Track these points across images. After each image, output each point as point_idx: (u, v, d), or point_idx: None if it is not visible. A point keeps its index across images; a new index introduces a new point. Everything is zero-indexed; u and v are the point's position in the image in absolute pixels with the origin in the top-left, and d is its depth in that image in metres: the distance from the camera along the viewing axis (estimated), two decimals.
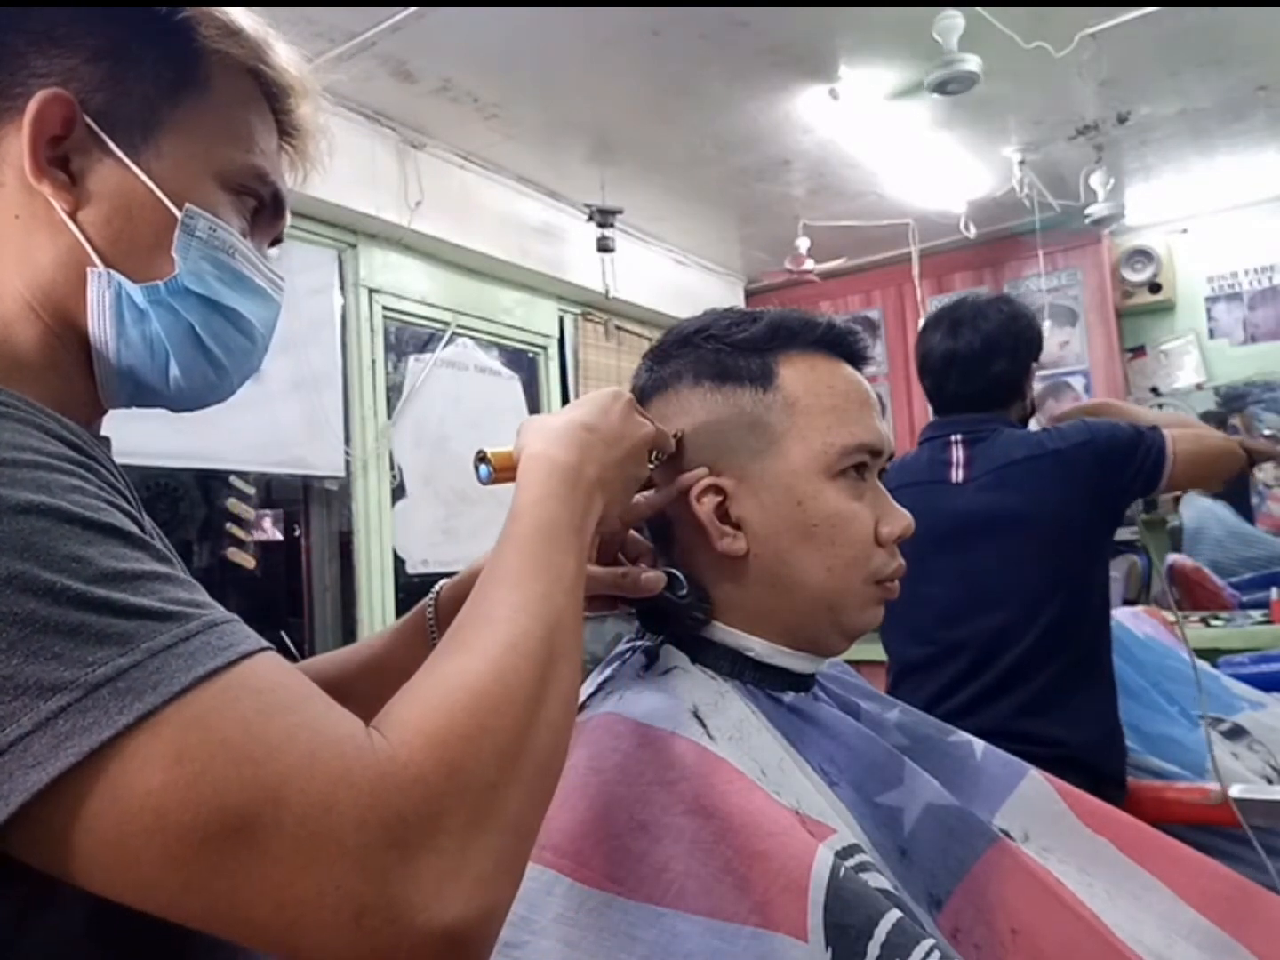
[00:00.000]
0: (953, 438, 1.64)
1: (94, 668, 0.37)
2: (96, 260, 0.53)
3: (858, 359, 0.79)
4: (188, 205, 0.55)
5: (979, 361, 1.63)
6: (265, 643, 0.43)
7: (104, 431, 0.59)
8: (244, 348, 0.60)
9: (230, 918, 0.38)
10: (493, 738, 0.44)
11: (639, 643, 0.78)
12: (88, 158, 0.53)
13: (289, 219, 0.64)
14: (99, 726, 0.37)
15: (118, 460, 0.56)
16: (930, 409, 1.79)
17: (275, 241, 0.65)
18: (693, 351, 0.76)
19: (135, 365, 0.55)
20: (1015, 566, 1.54)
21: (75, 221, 0.52)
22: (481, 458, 0.69)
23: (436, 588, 0.79)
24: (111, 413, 0.60)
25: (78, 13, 0.53)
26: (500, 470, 0.68)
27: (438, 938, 0.39)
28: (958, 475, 1.61)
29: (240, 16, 0.57)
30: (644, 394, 0.79)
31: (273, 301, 0.62)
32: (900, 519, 0.75)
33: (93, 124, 0.52)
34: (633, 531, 0.79)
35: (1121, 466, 1.53)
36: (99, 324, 0.54)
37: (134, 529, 0.44)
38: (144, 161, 0.54)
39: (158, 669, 0.38)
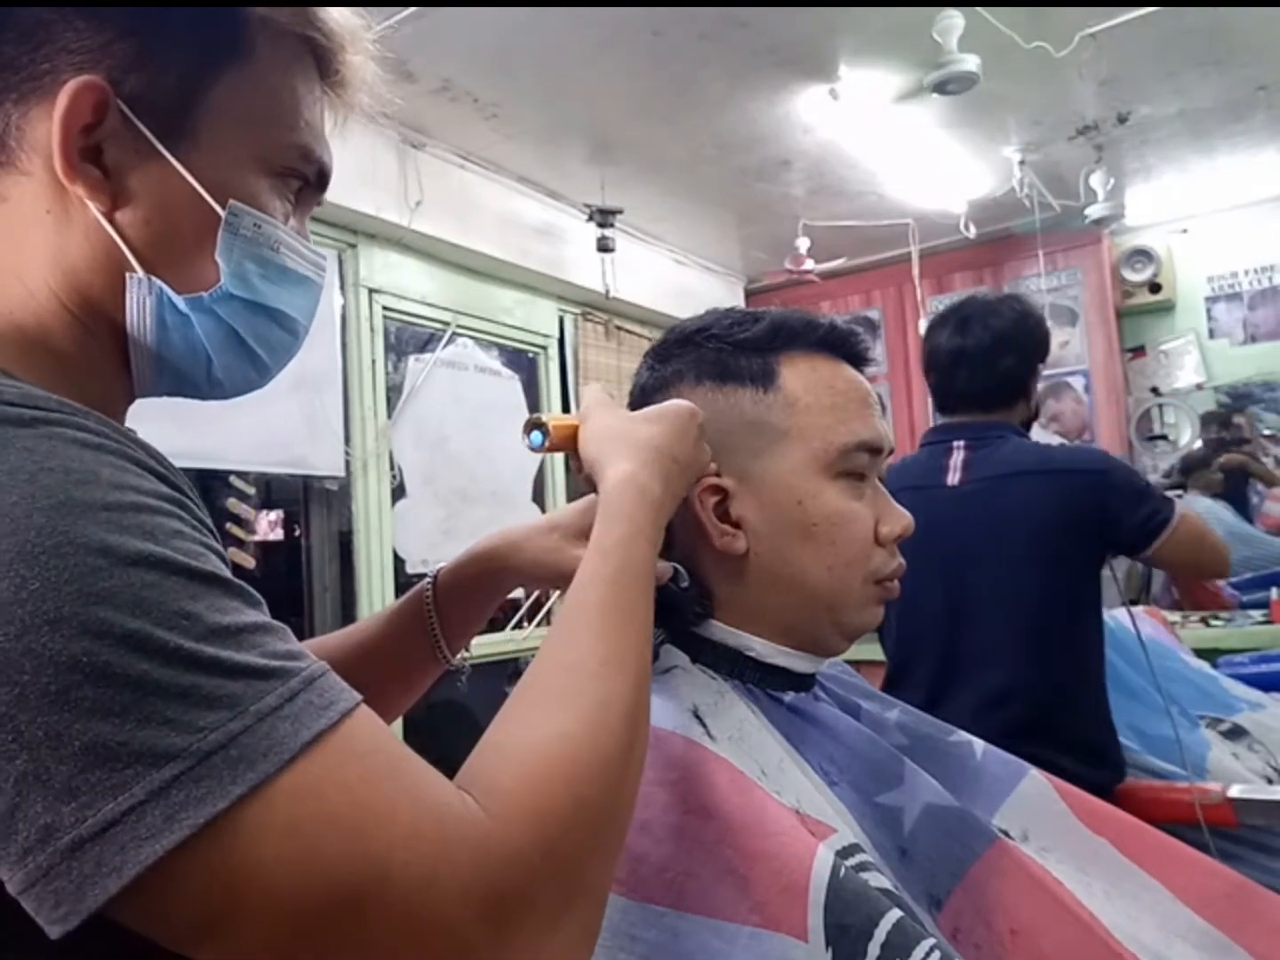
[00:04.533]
0: (955, 444, 1.62)
1: (205, 734, 0.36)
2: (136, 266, 0.49)
3: (859, 360, 0.79)
4: (231, 202, 0.51)
5: (988, 358, 1.61)
6: (356, 695, 0.42)
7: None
8: (286, 343, 0.57)
9: None
10: (587, 812, 0.43)
11: None
12: (122, 150, 0.48)
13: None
14: (213, 797, 0.36)
15: None
16: (932, 409, 1.76)
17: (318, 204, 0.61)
18: (694, 351, 0.76)
19: (176, 365, 0.53)
20: (999, 576, 1.53)
21: (112, 223, 0.48)
22: (536, 424, 0.65)
23: (433, 572, 0.77)
24: None
25: None
26: (558, 442, 0.64)
27: None
28: (953, 478, 1.59)
29: None
30: (645, 393, 0.79)
31: (315, 286, 0.58)
32: (900, 519, 0.75)
33: (128, 111, 0.48)
34: None
35: (1123, 511, 1.51)
36: (139, 328, 0.51)
37: (228, 571, 0.42)
38: (183, 153, 0.49)
39: (267, 734, 0.37)
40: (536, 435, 0.65)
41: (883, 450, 0.76)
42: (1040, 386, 1.70)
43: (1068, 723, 1.46)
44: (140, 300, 0.50)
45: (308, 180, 0.56)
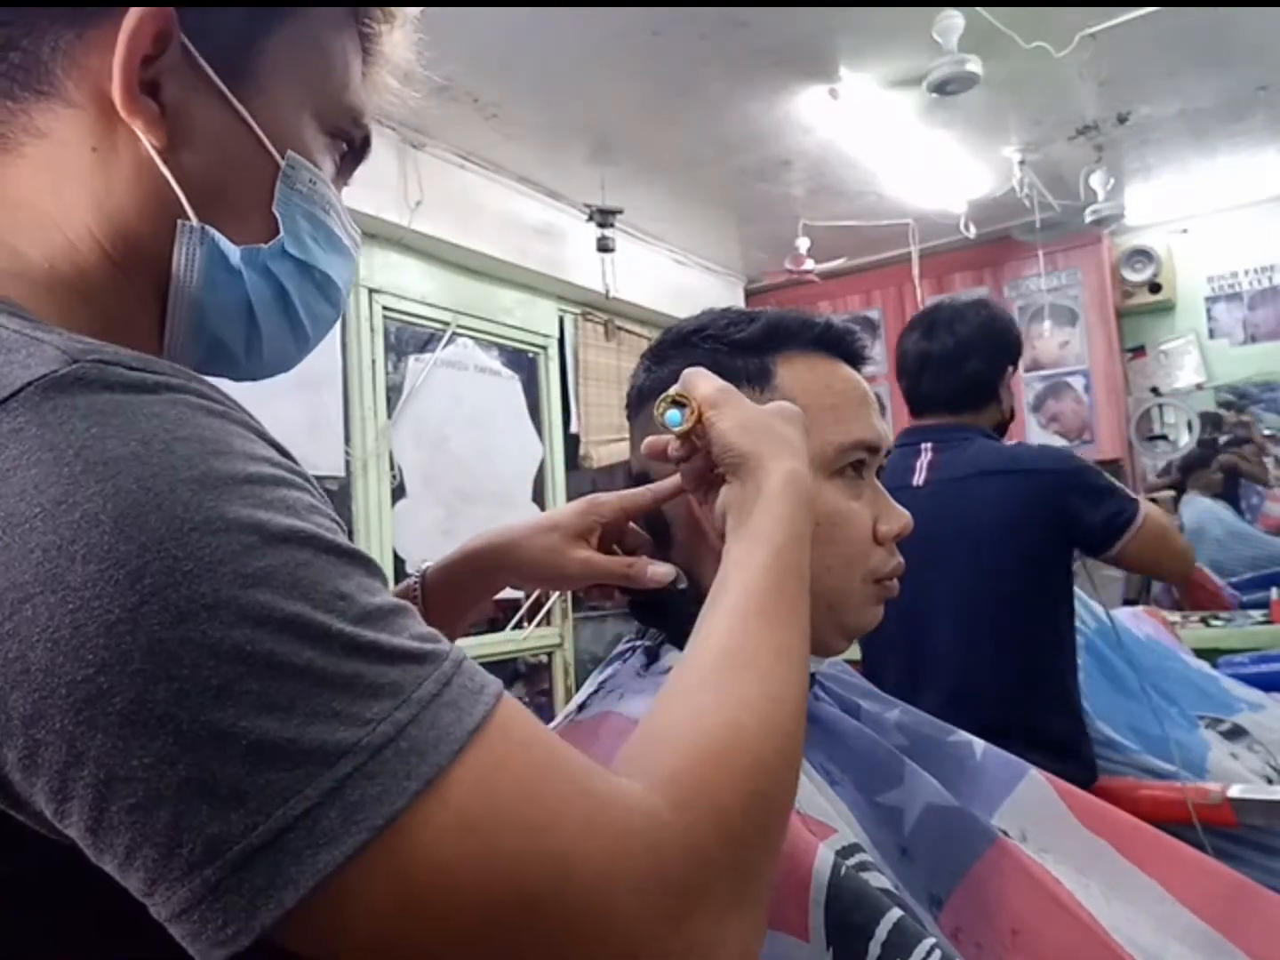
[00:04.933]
0: (923, 445, 1.63)
1: (374, 725, 0.33)
2: (190, 211, 0.45)
3: (856, 359, 0.79)
4: (290, 153, 0.48)
5: (952, 362, 1.62)
6: (494, 677, 0.40)
7: None
8: (328, 316, 0.54)
9: None
10: (764, 806, 0.42)
11: (639, 642, 0.78)
12: (182, 86, 0.44)
13: None
14: (390, 795, 0.33)
15: None
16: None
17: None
18: (690, 351, 0.76)
19: (217, 329, 0.48)
20: (961, 577, 1.53)
21: (166, 164, 0.44)
22: (679, 402, 0.61)
23: (422, 568, 0.74)
24: None
25: None
26: (695, 424, 0.60)
27: None
28: (918, 479, 1.60)
29: None
30: (642, 395, 0.78)
31: (354, 261, 0.55)
32: (899, 517, 0.75)
33: (190, 45, 0.44)
34: (631, 523, 0.78)
35: (1085, 510, 1.52)
36: (185, 283, 0.46)
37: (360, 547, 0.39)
38: (244, 95, 0.46)
39: (432, 723, 0.34)
40: (675, 414, 0.61)
41: (880, 449, 0.76)
42: (1040, 386, 1.71)
43: (1035, 721, 1.46)
44: (190, 251, 0.45)
45: (353, 145, 0.54)
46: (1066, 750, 1.48)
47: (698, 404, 0.60)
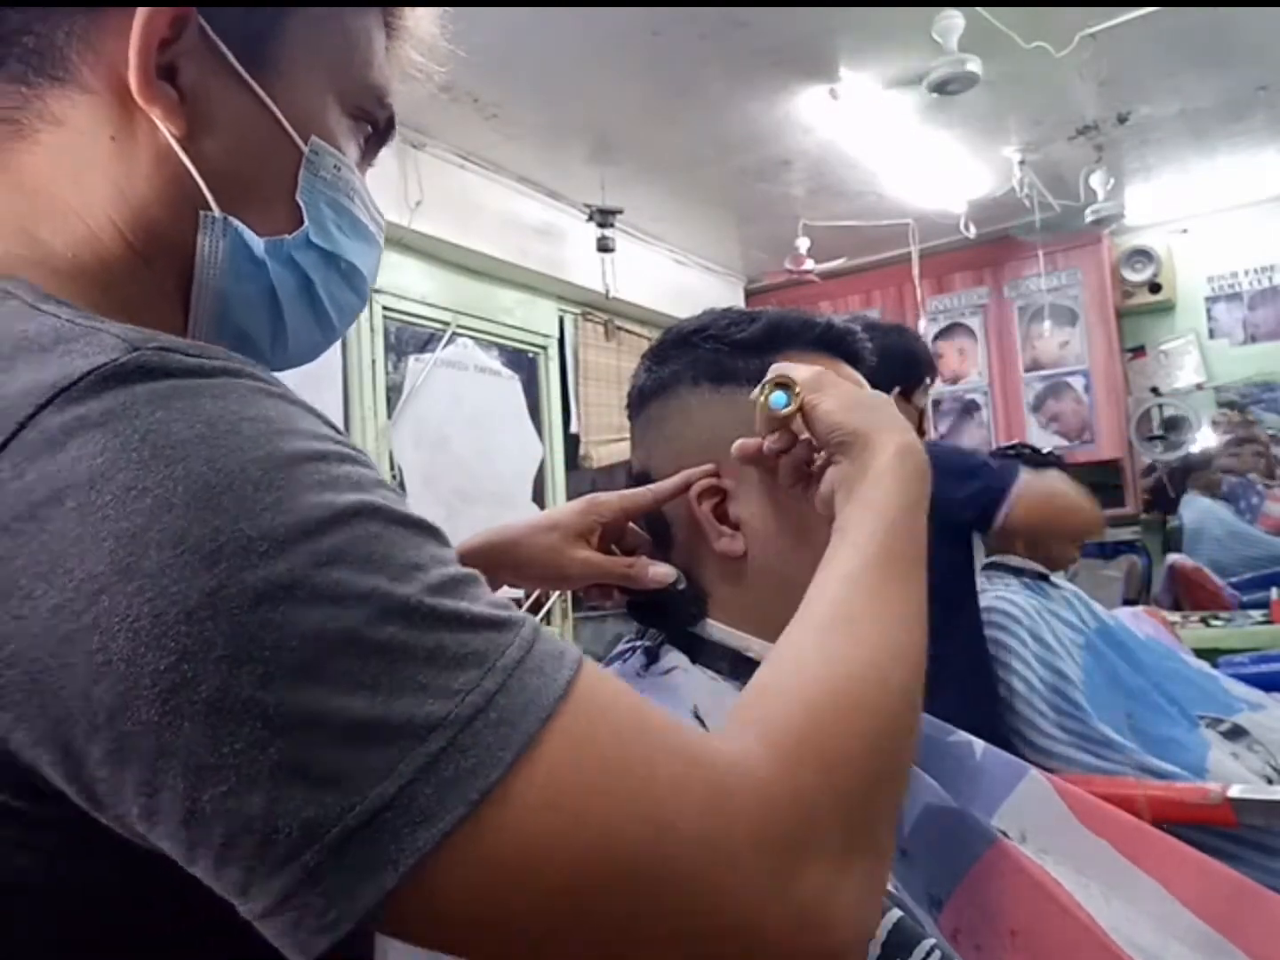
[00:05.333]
0: None
1: (462, 696, 0.32)
2: (212, 201, 0.44)
3: (857, 359, 0.79)
4: (313, 139, 0.47)
5: None
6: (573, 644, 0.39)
7: None
8: (353, 306, 0.53)
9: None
10: (877, 758, 0.41)
11: (639, 643, 0.78)
12: (200, 71, 0.43)
13: None
14: (484, 768, 0.32)
15: None
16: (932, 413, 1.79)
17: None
18: (691, 352, 0.76)
19: (241, 322, 0.47)
20: None
21: (185, 152, 0.43)
22: (783, 384, 0.60)
23: None
24: None
25: None
26: (798, 407, 0.60)
27: (824, 957, 0.37)
28: None
29: None
30: (643, 395, 0.78)
31: (379, 247, 0.54)
32: None
33: (209, 29, 0.43)
34: (631, 524, 0.78)
35: (950, 490, 1.53)
36: (208, 275, 0.45)
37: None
38: (264, 79, 0.45)
39: (520, 690, 0.34)
40: (780, 395, 0.60)
41: None
42: (1040, 386, 1.73)
43: (958, 707, 1.49)
44: (213, 242, 0.44)
45: (377, 127, 0.52)
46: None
47: (800, 386, 0.60)
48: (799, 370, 0.61)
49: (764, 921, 0.35)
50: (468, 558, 0.73)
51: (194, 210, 0.44)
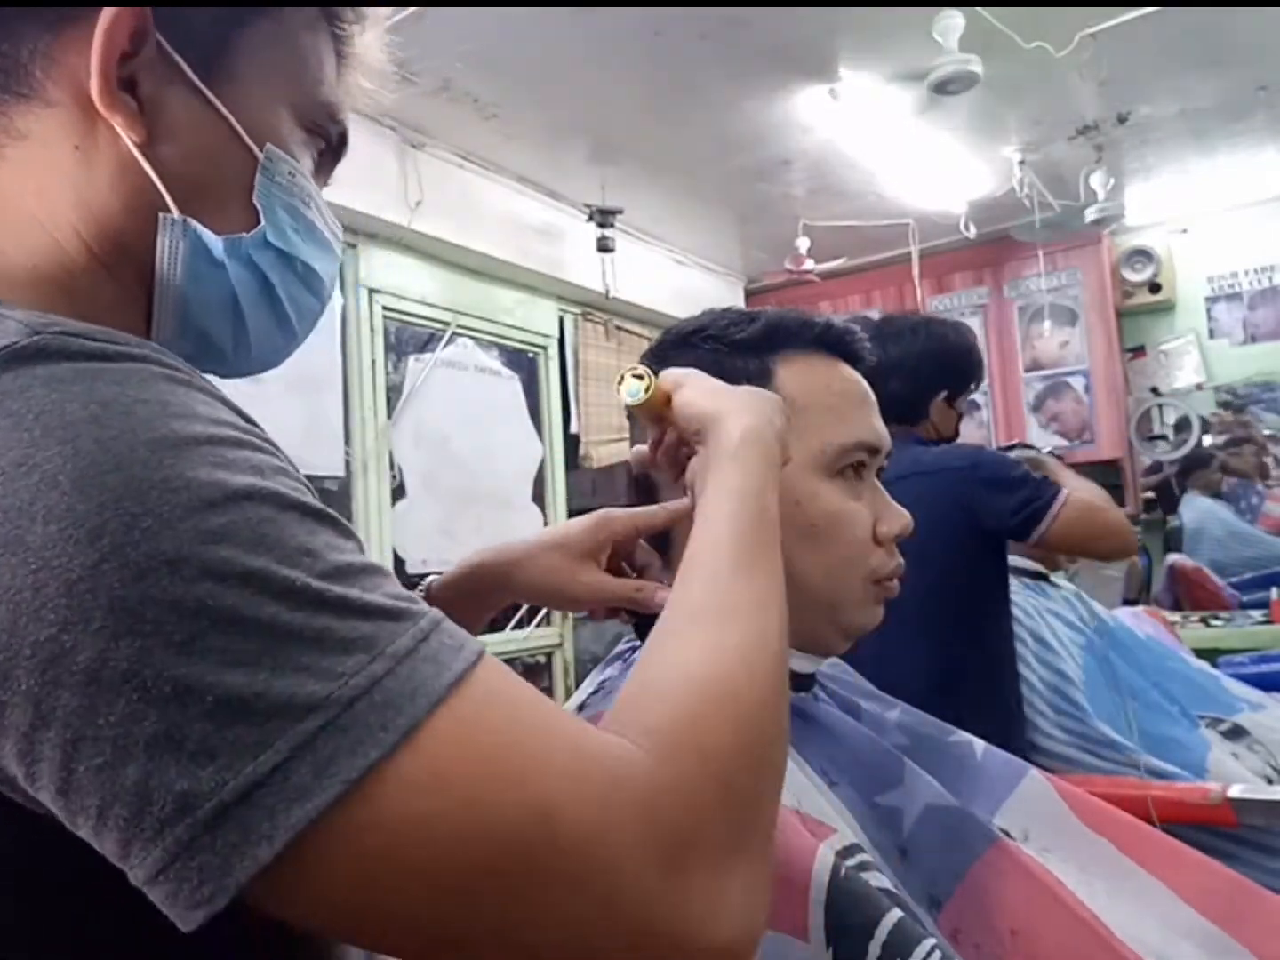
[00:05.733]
0: None
1: (346, 679, 0.33)
2: (171, 204, 0.45)
3: (856, 359, 0.79)
4: (268, 146, 0.49)
5: (875, 380, 1.67)
6: (478, 640, 0.40)
7: None
8: (313, 309, 0.54)
9: (505, 948, 0.35)
10: (753, 751, 0.41)
11: (639, 642, 0.78)
12: (158, 81, 0.45)
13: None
14: (364, 747, 0.32)
15: None
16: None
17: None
18: (691, 352, 0.76)
19: (203, 322, 0.49)
20: None
21: (146, 158, 0.45)
22: (638, 375, 0.62)
23: (425, 583, 0.73)
24: None
25: None
26: (656, 399, 0.62)
27: (714, 956, 0.37)
28: None
29: None
30: None
31: (336, 256, 0.56)
32: (898, 517, 0.75)
33: (165, 43, 0.45)
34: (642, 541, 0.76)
35: (994, 501, 1.56)
36: (169, 277, 0.46)
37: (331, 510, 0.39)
38: (220, 89, 0.47)
39: (409, 676, 0.34)
40: (634, 384, 0.62)
41: (881, 450, 0.76)
42: (1039, 386, 1.72)
43: (952, 722, 1.48)
44: (173, 244, 0.46)
45: (330, 143, 0.54)
46: (999, 743, 1.51)
47: (653, 377, 0.61)
48: (670, 371, 0.63)
49: (651, 911, 0.35)
50: (471, 577, 0.71)
51: (155, 215, 0.45)
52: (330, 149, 0.55)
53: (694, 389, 0.61)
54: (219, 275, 0.48)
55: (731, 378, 0.74)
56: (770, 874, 0.41)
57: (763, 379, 0.74)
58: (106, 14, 0.43)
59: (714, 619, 0.46)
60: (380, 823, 0.32)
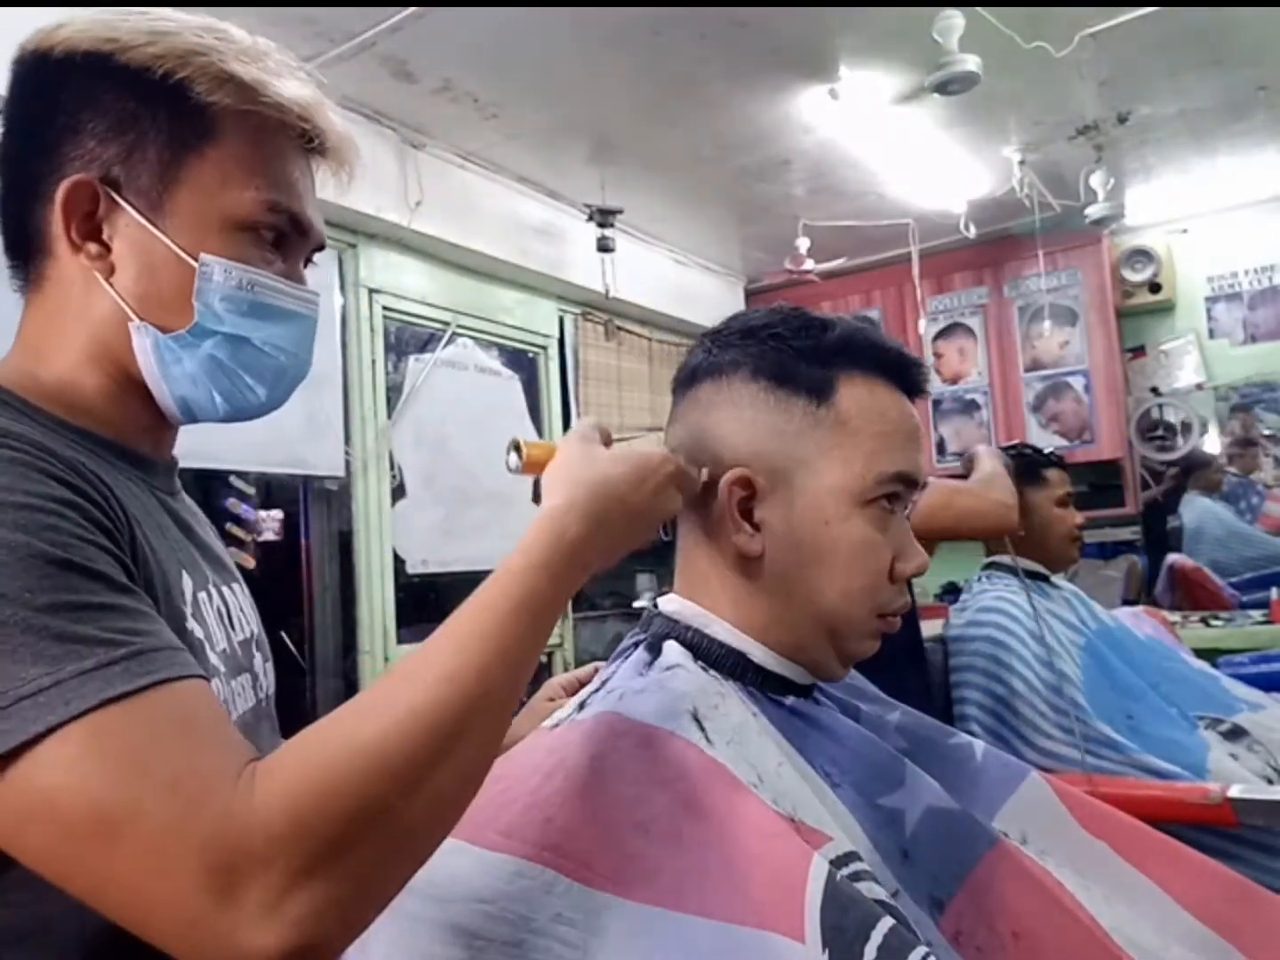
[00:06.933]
0: None
1: (22, 684, 0.44)
2: (133, 315, 0.62)
3: (915, 391, 0.78)
4: (202, 255, 0.62)
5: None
6: (196, 671, 0.49)
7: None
8: (276, 367, 0.67)
9: (101, 902, 0.45)
10: (347, 801, 0.45)
11: (642, 636, 0.78)
12: (116, 225, 0.62)
13: (320, 230, 0.70)
14: (15, 732, 0.44)
15: None
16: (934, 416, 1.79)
17: (317, 249, 0.71)
18: (756, 345, 0.75)
19: (185, 396, 0.65)
20: None
21: (111, 284, 0.62)
22: (515, 446, 0.71)
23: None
24: None
25: (95, 100, 0.61)
26: (530, 465, 0.70)
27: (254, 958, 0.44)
28: None
29: (233, 62, 0.62)
30: (696, 374, 0.77)
31: (303, 318, 0.69)
32: (916, 557, 0.75)
33: (115, 196, 0.61)
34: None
35: None
36: (146, 368, 0.63)
37: (100, 564, 0.50)
38: (161, 221, 0.62)
39: (74, 689, 0.45)
40: (513, 457, 0.71)
41: (917, 484, 0.75)
42: (1040, 386, 1.73)
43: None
44: (142, 344, 0.63)
45: (282, 228, 0.66)
46: None
47: (527, 451, 0.70)
48: (575, 426, 0.71)
49: (203, 907, 0.43)
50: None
51: (128, 325, 0.63)
52: (287, 231, 0.66)
53: (557, 459, 0.69)
54: (180, 361, 0.64)
55: (789, 382, 0.73)
56: (369, 909, 0.48)
57: (823, 392, 0.73)
58: (61, 189, 0.60)
59: (394, 685, 0.51)
60: (23, 786, 0.44)
